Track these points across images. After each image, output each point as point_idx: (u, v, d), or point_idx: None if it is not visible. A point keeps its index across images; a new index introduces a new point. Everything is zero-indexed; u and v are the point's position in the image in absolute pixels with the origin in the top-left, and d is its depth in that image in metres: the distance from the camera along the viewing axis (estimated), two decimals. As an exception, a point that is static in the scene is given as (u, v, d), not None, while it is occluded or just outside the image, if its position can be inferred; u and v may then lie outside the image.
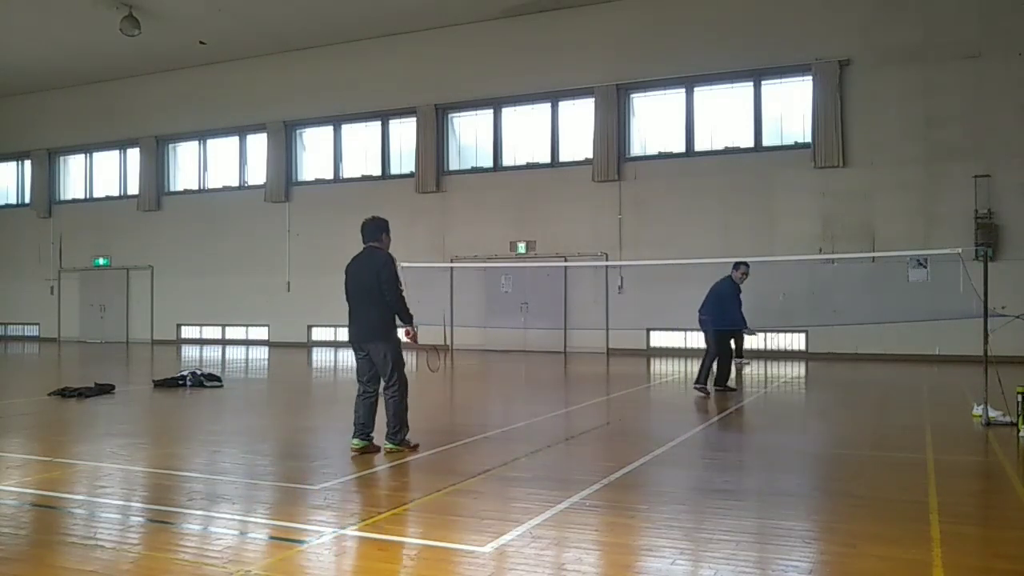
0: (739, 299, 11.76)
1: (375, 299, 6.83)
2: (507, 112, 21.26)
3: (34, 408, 10.37)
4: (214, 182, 25.32)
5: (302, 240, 22.99)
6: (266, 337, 23.87)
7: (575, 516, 4.98)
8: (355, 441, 6.92)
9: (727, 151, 18.95)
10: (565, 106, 20.61)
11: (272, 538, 4.66)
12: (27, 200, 28.11)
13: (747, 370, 14.86)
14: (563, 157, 20.60)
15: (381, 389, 7.09)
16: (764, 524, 4.86)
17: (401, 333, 7.08)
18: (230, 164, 25.04)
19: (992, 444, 7.42)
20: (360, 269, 6.96)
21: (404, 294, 6.98)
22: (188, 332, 25.51)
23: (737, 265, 11.94)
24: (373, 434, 7.00)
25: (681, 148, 19.41)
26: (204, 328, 25.27)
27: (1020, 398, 7.59)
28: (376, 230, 7.03)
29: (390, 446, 6.88)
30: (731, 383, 11.73)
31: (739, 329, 11.84)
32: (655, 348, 19.45)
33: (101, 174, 27.36)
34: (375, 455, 6.85)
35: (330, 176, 23.37)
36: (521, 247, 20.65)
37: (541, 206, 20.42)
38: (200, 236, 24.66)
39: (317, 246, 22.35)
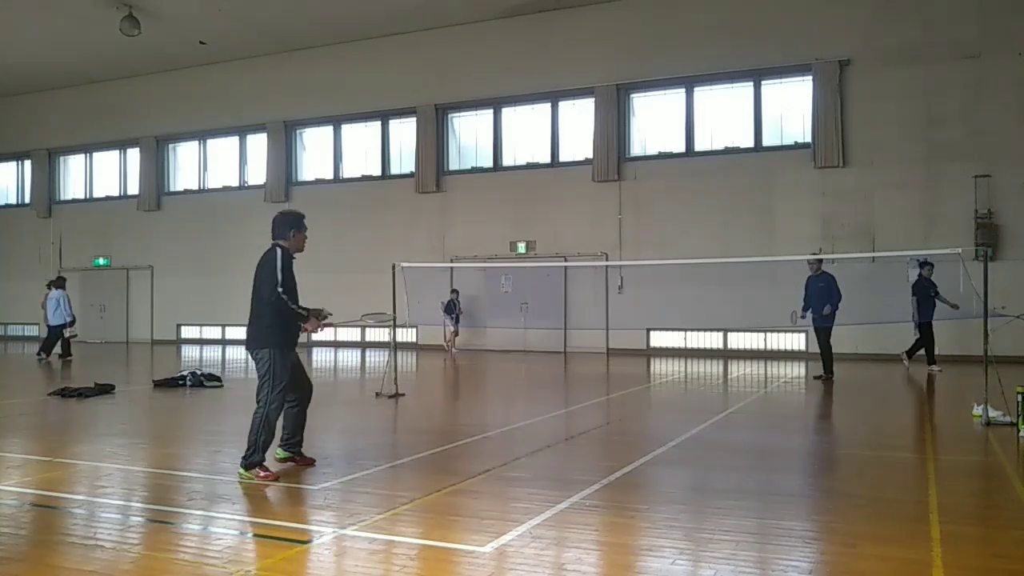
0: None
1: (258, 301, 6.16)
2: (507, 112, 21.26)
3: (34, 408, 10.38)
4: (214, 182, 25.32)
5: (302, 240, 22.96)
6: (266, 337, 23.83)
7: (575, 516, 4.98)
8: (277, 451, 6.44)
9: (727, 151, 18.94)
10: (565, 106, 20.60)
11: (272, 538, 4.66)
12: (27, 200, 28.11)
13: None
14: (563, 157, 20.59)
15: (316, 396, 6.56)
16: (764, 524, 4.86)
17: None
18: (230, 164, 25.04)
19: (992, 444, 7.41)
20: (256, 269, 6.23)
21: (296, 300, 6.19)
22: (188, 332, 25.51)
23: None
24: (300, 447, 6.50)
25: (681, 148, 19.40)
26: (204, 328, 25.27)
27: (1020, 398, 7.59)
28: (282, 226, 6.30)
29: (240, 470, 6.06)
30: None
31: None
32: (655, 348, 19.45)
33: (101, 174, 27.36)
34: (309, 467, 6.38)
35: (330, 176, 23.37)
36: (521, 247, 20.65)
37: (541, 206, 20.41)
38: (200, 236, 24.65)
39: (317, 246, 21.96)
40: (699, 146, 19.23)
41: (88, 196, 27.51)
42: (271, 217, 6.48)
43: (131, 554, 4.34)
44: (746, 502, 5.39)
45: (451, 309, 19.91)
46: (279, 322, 6.11)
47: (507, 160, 21.29)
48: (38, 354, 18.20)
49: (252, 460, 6.03)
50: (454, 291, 20.13)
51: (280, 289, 6.04)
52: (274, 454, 6.43)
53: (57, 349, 18.34)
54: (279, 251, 6.17)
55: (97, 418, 9.52)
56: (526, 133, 21.07)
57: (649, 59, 19.31)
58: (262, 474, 6.00)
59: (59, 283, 18.75)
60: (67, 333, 18.44)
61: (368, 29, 21.69)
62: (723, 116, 19.10)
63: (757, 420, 9.61)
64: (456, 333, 20.16)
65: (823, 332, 12.98)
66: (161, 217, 25.62)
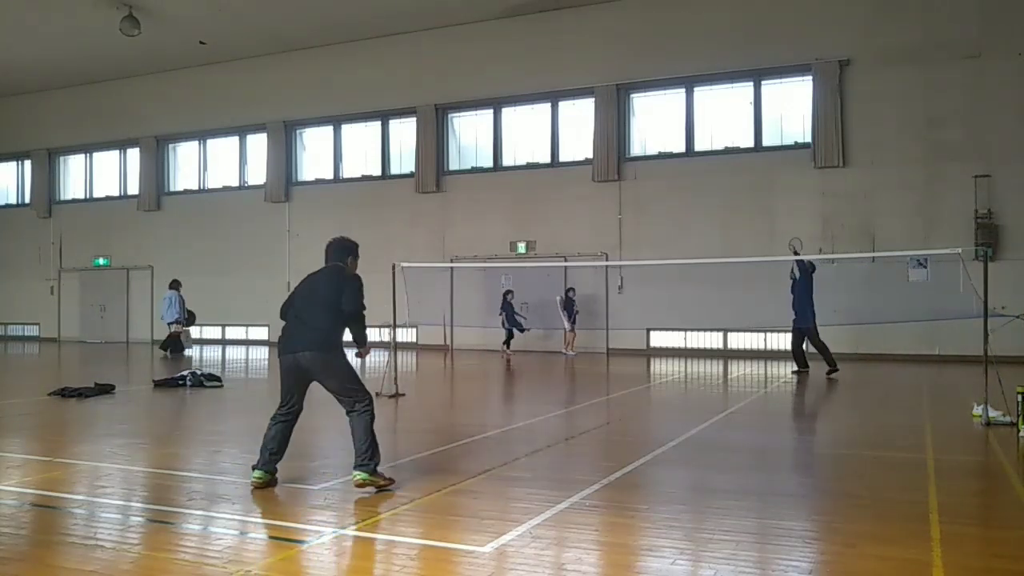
0: None
1: (324, 308, 6.13)
2: (507, 112, 21.25)
3: (34, 408, 10.37)
4: (214, 182, 25.31)
5: (302, 240, 22.97)
6: (266, 337, 23.84)
7: (575, 516, 4.98)
8: (256, 473, 5.72)
9: (727, 151, 18.94)
10: (565, 106, 20.60)
11: (272, 538, 4.67)
12: (27, 200, 28.10)
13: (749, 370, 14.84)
14: (563, 157, 20.59)
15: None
16: (764, 524, 4.86)
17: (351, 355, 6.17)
18: (230, 164, 25.04)
19: (992, 444, 7.42)
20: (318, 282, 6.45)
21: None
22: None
23: None
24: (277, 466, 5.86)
25: (681, 148, 19.40)
26: (204, 328, 25.24)
27: (1020, 398, 7.59)
28: (342, 252, 6.72)
29: (362, 476, 5.58)
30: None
31: None
32: (655, 348, 19.44)
33: (101, 174, 27.35)
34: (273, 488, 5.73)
35: (330, 176, 23.37)
36: (521, 247, 20.64)
37: (541, 206, 20.41)
38: (200, 236, 24.64)
39: (317, 246, 22.15)
40: (699, 146, 19.23)
41: (88, 196, 27.50)
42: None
43: (131, 554, 4.34)
44: (746, 502, 5.39)
45: (569, 307, 18.95)
46: (341, 329, 6.11)
47: (507, 160, 21.29)
48: (171, 354, 19.70)
49: (375, 463, 5.64)
50: (570, 289, 19.08)
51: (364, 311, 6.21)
52: (254, 478, 5.71)
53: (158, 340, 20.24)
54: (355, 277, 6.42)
55: (97, 418, 9.52)
56: (526, 133, 21.06)
57: (649, 59, 19.30)
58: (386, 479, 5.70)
59: (173, 285, 20.45)
60: (173, 329, 20.02)
61: (368, 29, 21.69)
62: (723, 116, 19.09)
63: (757, 420, 9.61)
64: (574, 333, 19.04)
65: (812, 331, 12.90)
66: (161, 217, 25.62)
